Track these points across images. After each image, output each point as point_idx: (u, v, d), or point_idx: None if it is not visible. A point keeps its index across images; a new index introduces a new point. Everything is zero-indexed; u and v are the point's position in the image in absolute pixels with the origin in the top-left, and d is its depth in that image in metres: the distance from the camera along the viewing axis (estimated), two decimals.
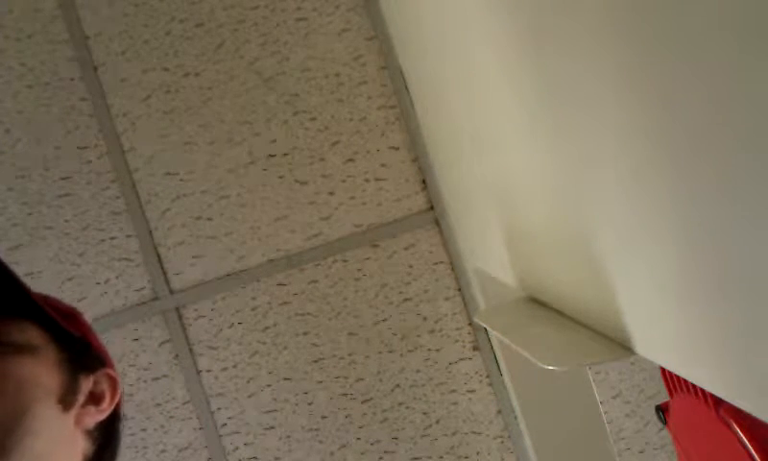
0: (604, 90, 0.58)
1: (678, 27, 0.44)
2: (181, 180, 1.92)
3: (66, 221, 1.89)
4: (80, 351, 0.73)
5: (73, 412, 0.69)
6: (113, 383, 0.75)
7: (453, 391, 1.94)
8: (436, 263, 1.95)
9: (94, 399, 0.72)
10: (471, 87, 1.07)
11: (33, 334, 0.69)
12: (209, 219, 1.92)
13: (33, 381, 0.66)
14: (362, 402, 1.93)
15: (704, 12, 0.40)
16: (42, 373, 0.67)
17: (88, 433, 0.71)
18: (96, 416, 0.71)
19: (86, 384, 0.72)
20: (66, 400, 0.68)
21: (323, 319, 1.93)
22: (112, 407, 0.74)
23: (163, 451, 1.89)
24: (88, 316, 1.95)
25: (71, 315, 0.77)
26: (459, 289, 1.94)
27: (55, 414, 0.67)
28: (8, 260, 0.70)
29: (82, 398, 0.71)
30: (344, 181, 1.94)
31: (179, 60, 1.93)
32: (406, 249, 1.95)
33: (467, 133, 1.23)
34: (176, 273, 1.91)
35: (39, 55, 1.91)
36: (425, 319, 1.94)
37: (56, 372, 0.68)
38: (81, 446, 0.69)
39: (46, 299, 0.74)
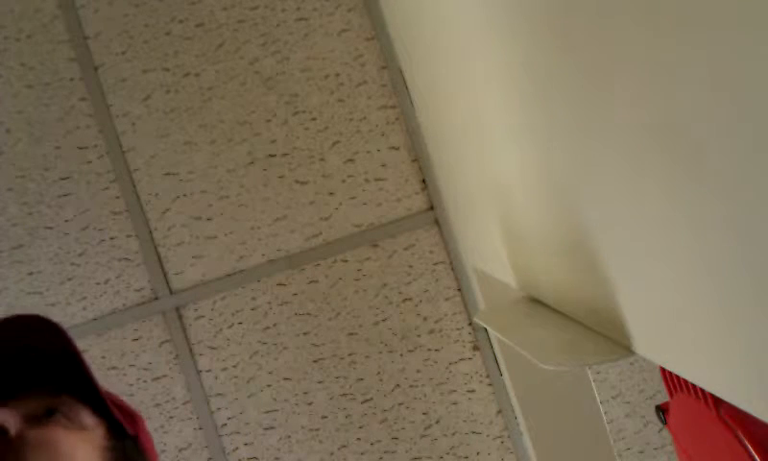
0: (604, 88, 0.58)
1: (685, 22, 0.44)
2: (181, 180, 1.92)
3: (66, 221, 1.89)
4: (128, 446, 0.76)
5: None
6: None
7: (453, 391, 1.94)
8: (436, 263, 1.95)
9: None
10: (471, 87, 1.07)
11: (86, 416, 0.73)
12: (209, 219, 1.92)
13: (71, 456, 0.69)
14: (362, 402, 1.93)
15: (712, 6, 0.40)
16: (83, 451, 0.70)
17: None
18: None
19: None
20: None
21: (323, 319, 1.93)
22: None
23: (163, 451, 1.89)
24: (88, 316, 1.95)
25: (131, 415, 0.81)
26: (459, 289, 1.94)
27: None
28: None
29: None
30: (344, 181, 1.94)
31: (179, 60, 1.93)
32: (406, 249, 1.95)
33: (467, 132, 1.23)
34: (176, 273, 1.91)
35: (39, 55, 1.91)
36: (425, 319, 1.94)
37: (98, 455, 0.71)
38: None
39: (110, 394, 0.78)
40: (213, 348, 1.91)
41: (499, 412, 1.93)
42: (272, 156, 1.94)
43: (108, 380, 1.88)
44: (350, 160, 1.95)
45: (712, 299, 0.52)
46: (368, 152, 1.95)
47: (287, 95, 1.94)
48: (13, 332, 0.75)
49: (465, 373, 1.94)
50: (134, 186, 1.90)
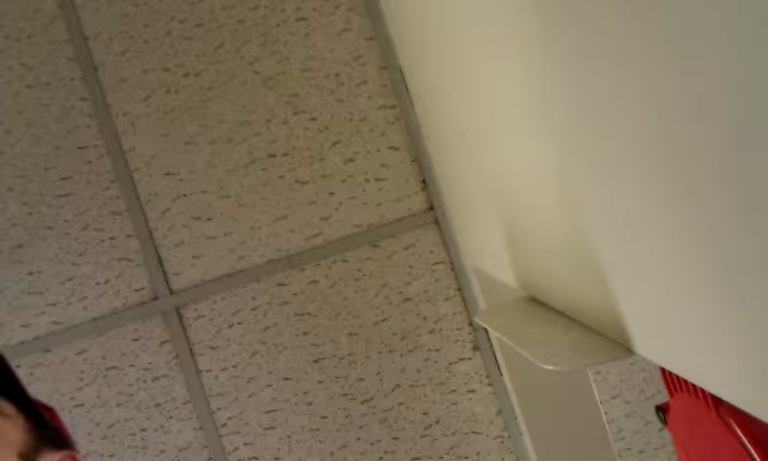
0: (604, 90, 0.58)
1: (689, 29, 0.44)
2: (181, 180, 1.92)
3: (66, 221, 1.89)
4: (48, 430, 0.83)
5: None
6: None
7: (453, 391, 1.94)
8: (436, 263, 1.95)
9: None
10: (472, 87, 1.07)
11: (5, 405, 0.80)
12: (209, 219, 1.92)
13: (1, 435, 0.76)
14: (362, 402, 1.93)
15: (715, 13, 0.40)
16: (10, 432, 0.78)
17: None
18: None
19: (51, 456, 0.81)
20: (27, 458, 0.77)
21: (323, 319, 1.93)
22: None
23: (163, 451, 1.89)
24: (88, 316, 1.95)
25: (47, 407, 0.89)
26: (459, 289, 1.94)
27: None
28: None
29: None
30: (344, 181, 1.94)
31: (179, 60, 1.93)
32: (406, 249, 1.95)
33: (467, 132, 1.23)
34: (176, 273, 1.91)
35: (39, 55, 1.91)
36: (425, 319, 1.94)
37: (21, 434, 0.79)
38: None
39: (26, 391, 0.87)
40: (213, 348, 1.91)
41: (499, 412, 1.93)
42: (272, 156, 1.94)
43: (108, 380, 1.88)
44: (350, 160, 1.95)
45: (712, 299, 0.52)
46: (368, 152, 1.95)
47: (287, 95, 1.94)
48: None
49: (465, 373, 1.94)
50: (134, 186, 1.90)
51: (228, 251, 1.92)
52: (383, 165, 1.95)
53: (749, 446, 0.78)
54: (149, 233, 1.90)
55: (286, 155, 1.94)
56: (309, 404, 1.92)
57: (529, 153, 0.87)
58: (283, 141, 1.94)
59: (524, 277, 1.14)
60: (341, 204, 1.94)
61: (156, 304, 1.89)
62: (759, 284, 0.44)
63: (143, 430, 1.89)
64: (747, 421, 0.79)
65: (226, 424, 1.90)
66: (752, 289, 0.46)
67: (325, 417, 1.92)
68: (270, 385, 1.91)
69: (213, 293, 1.91)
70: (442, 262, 1.95)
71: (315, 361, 1.92)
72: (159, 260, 1.90)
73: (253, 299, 1.92)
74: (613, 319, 0.76)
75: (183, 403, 1.90)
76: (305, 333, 1.92)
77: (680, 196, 0.51)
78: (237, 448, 1.90)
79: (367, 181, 1.95)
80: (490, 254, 1.41)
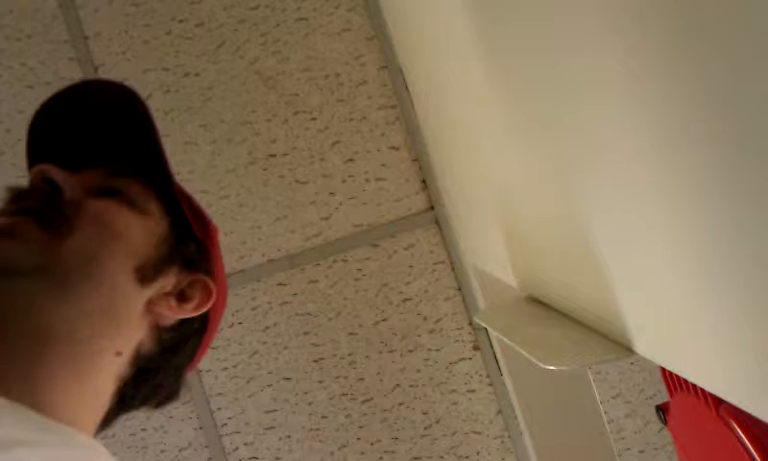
0: (604, 85, 0.58)
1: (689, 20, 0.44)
2: (182, 180, 1.91)
3: None
4: (190, 247, 0.70)
5: (148, 291, 0.65)
6: (208, 295, 0.70)
7: (453, 391, 1.94)
8: (436, 263, 1.95)
9: (181, 297, 0.68)
10: (471, 86, 1.07)
11: (152, 204, 0.68)
12: None
13: (124, 235, 0.63)
14: (362, 402, 1.93)
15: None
16: (138, 234, 0.65)
17: (156, 330, 0.66)
18: (174, 312, 0.67)
19: (177, 276, 0.68)
20: (145, 273, 0.64)
21: (323, 319, 1.93)
22: (195, 313, 0.69)
23: (163, 451, 1.89)
24: None
25: (204, 219, 0.74)
26: (459, 289, 1.94)
27: (127, 278, 0.63)
28: None
29: (166, 285, 0.67)
30: (344, 181, 1.94)
31: (179, 60, 1.93)
32: (406, 249, 1.95)
33: (466, 132, 1.23)
34: None
35: (39, 55, 1.91)
36: (425, 319, 1.94)
37: (152, 242, 0.66)
38: (140, 335, 0.65)
39: (185, 191, 0.72)
40: (213, 348, 1.91)
41: (499, 412, 1.93)
42: (272, 155, 1.94)
43: None
44: (350, 160, 1.95)
45: (712, 298, 0.52)
46: (368, 152, 1.95)
47: (287, 95, 1.94)
48: (95, 99, 0.70)
49: (465, 373, 1.94)
50: None
51: (228, 251, 1.92)
52: (383, 165, 1.95)
53: (749, 446, 0.78)
54: None
55: (286, 154, 1.94)
56: (309, 404, 1.92)
57: (528, 150, 0.87)
58: (283, 141, 1.94)
59: (524, 277, 1.14)
60: (341, 204, 1.94)
61: None
62: (760, 283, 0.44)
63: (143, 430, 1.89)
64: (747, 421, 0.79)
65: (226, 423, 1.90)
66: (752, 288, 0.46)
67: (325, 417, 1.92)
68: (270, 385, 1.91)
69: None
70: (442, 262, 1.95)
71: (315, 361, 1.92)
72: None
73: (253, 299, 1.92)
74: (614, 319, 0.76)
75: (183, 403, 1.90)
76: (305, 333, 1.92)
77: (681, 194, 0.51)
78: (237, 448, 1.90)
79: (367, 180, 1.95)
80: (490, 254, 1.41)
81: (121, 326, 0.63)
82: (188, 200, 0.74)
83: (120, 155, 0.69)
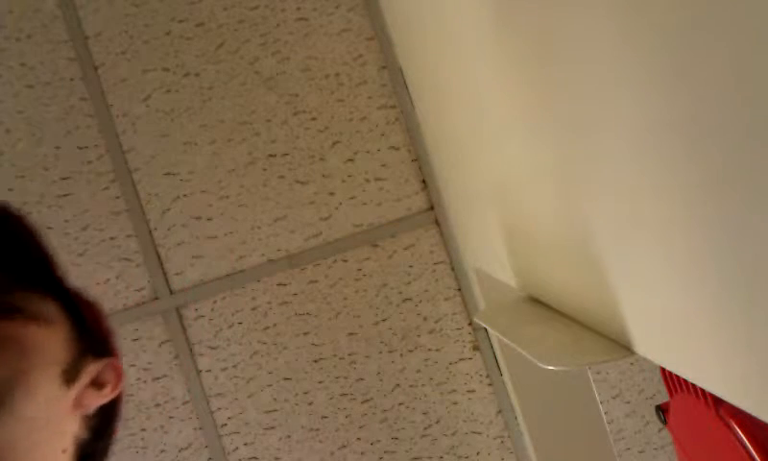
0: (605, 86, 0.58)
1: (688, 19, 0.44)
2: (181, 180, 1.92)
3: (66, 221, 1.89)
4: (91, 336, 0.74)
5: (74, 391, 0.69)
6: (118, 374, 0.76)
7: (453, 391, 1.94)
8: (436, 263, 1.95)
9: (97, 384, 0.73)
10: (471, 86, 1.07)
11: (50, 308, 0.71)
12: (209, 219, 1.92)
13: (39, 348, 0.67)
14: (362, 402, 1.93)
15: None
16: (51, 343, 0.68)
17: (85, 419, 0.71)
18: (96, 400, 0.72)
19: (93, 367, 0.73)
20: (70, 375, 0.68)
21: (323, 319, 1.93)
22: (113, 396, 0.74)
23: (163, 451, 1.89)
24: None
25: (91, 305, 0.79)
26: (459, 289, 1.94)
27: (55, 385, 0.67)
28: None
29: (86, 379, 0.71)
30: (344, 181, 1.94)
31: (179, 60, 1.93)
32: (406, 249, 1.95)
33: (467, 132, 1.23)
34: (176, 273, 1.91)
35: (39, 55, 1.91)
36: (425, 319, 1.94)
37: (64, 346, 0.69)
38: (75, 428, 0.70)
39: (68, 284, 0.76)
40: (213, 348, 1.91)
41: (499, 412, 1.93)
42: (272, 155, 1.94)
43: None
44: (350, 160, 1.95)
45: (712, 298, 0.52)
46: (368, 152, 1.95)
47: (287, 95, 1.94)
48: None
49: (465, 373, 1.94)
50: (134, 186, 1.90)
51: (228, 251, 1.92)
52: (383, 165, 1.95)
53: (749, 446, 0.78)
54: (149, 233, 1.90)
55: (286, 155, 1.94)
56: (309, 404, 1.92)
57: (529, 152, 0.87)
58: (283, 141, 1.94)
59: (524, 277, 1.14)
60: (341, 204, 1.94)
61: (155, 304, 1.89)
62: (760, 284, 0.44)
63: (143, 430, 1.89)
64: (747, 421, 0.79)
65: (226, 424, 1.90)
66: (752, 289, 0.46)
67: (325, 417, 1.92)
68: (270, 385, 1.91)
69: (213, 293, 1.91)
70: (442, 262, 1.95)
71: (315, 361, 1.92)
72: (159, 260, 1.90)
73: (253, 299, 1.92)
74: (614, 319, 0.76)
75: (183, 403, 1.90)
76: (305, 333, 1.92)
77: (681, 194, 0.51)
78: (237, 448, 1.90)
79: (367, 181, 1.95)
80: (489, 255, 1.41)
81: (60, 426, 0.68)
82: (74, 290, 0.78)
83: (6, 269, 0.72)
